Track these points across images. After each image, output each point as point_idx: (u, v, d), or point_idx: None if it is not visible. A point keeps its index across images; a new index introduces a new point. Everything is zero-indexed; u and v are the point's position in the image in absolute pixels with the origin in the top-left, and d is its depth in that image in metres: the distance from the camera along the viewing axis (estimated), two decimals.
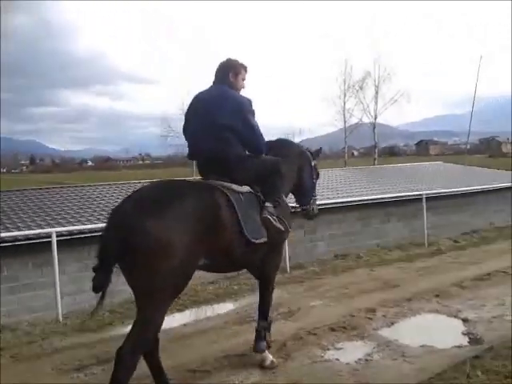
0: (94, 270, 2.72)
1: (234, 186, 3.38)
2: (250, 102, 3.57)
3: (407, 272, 6.90)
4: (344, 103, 31.56)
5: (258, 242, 3.37)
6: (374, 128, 32.20)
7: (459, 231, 10.79)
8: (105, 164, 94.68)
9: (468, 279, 6.16)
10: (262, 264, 3.82)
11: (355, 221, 10.68)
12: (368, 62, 33.14)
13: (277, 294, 5.85)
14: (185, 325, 5.15)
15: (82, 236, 7.17)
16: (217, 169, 3.44)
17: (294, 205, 4.33)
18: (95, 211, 8.70)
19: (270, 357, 3.87)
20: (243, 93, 3.72)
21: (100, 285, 2.72)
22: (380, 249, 9.15)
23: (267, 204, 3.53)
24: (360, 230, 10.62)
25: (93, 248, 6.72)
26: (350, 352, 4.11)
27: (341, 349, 4.19)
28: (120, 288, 6.50)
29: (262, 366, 3.82)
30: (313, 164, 4.29)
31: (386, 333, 4.51)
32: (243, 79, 3.72)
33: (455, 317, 4.84)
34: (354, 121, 32.06)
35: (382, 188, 12.23)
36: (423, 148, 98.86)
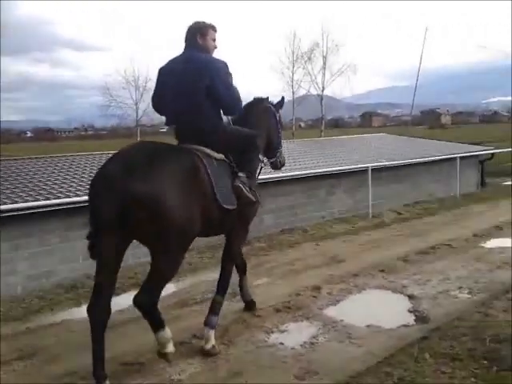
0: (89, 237, 2.77)
1: (209, 151, 3.42)
2: (226, 64, 3.53)
3: (352, 246, 6.82)
4: (292, 74, 31.22)
5: (227, 207, 3.40)
6: (322, 100, 32.19)
7: (402, 202, 10.98)
8: (45, 135, 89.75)
9: (413, 253, 6.15)
10: (228, 237, 3.92)
11: (301, 193, 10.56)
12: (316, 34, 32.85)
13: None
14: (121, 311, 4.79)
15: (12, 214, 6.56)
16: (193, 136, 3.46)
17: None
18: (27, 187, 8.00)
19: (213, 340, 3.67)
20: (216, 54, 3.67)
21: (98, 251, 2.80)
22: (325, 221, 9.08)
23: (240, 174, 3.58)
24: (306, 202, 10.52)
25: (26, 227, 5.80)
26: (295, 335, 3.93)
27: (285, 331, 4.00)
28: (50, 269, 6.07)
29: (203, 349, 3.64)
30: (277, 117, 4.37)
31: (331, 312, 4.37)
32: (213, 39, 3.65)
33: (401, 293, 4.77)
34: (302, 92, 31.89)
35: (328, 160, 12.17)
36: (367, 120, 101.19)
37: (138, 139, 30.27)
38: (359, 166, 10.49)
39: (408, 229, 7.88)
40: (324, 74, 31.11)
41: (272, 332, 3.99)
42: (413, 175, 12.53)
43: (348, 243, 7.02)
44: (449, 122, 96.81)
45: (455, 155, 11.88)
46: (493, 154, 16.66)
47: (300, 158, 12.32)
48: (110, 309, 2.98)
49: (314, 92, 31.57)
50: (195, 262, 6.39)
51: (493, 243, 6.46)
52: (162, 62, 3.67)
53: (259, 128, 4.02)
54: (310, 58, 30.33)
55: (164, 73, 3.58)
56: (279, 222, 9.84)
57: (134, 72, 33.17)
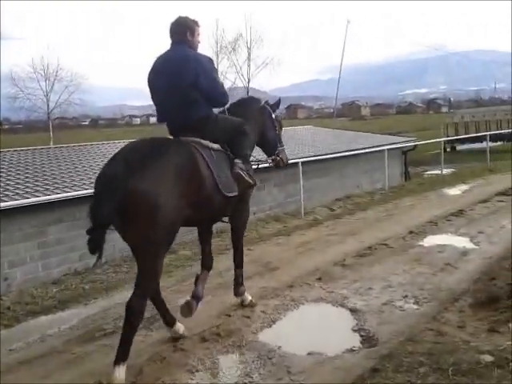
0: (88, 232, 2.82)
1: (205, 142, 3.57)
2: (211, 60, 3.78)
3: (286, 249, 6.26)
4: (217, 65, 30.37)
5: (230, 195, 3.58)
6: (248, 92, 31.73)
7: (333, 196, 10.70)
8: None
9: (349, 255, 5.70)
10: (232, 218, 4.13)
11: None
12: (240, 25, 32.24)
13: None
14: (11, 350, 3.86)
15: None
16: (186, 129, 3.58)
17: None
18: None
19: (248, 297, 4.30)
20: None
21: (96, 246, 2.84)
22: (257, 221, 8.48)
23: (237, 160, 3.76)
24: None
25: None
26: (225, 373, 3.25)
27: (213, 369, 3.31)
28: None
29: (243, 305, 4.26)
30: (274, 116, 4.53)
31: (267, 337, 3.74)
32: (198, 35, 3.79)
33: (342, 306, 4.25)
34: (227, 84, 31.19)
35: (255, 154, 11.64)
36: (292, 112, 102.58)
37: (51, 134, 28.06)
38: (290, 159, 10.04)
39: (342, 226, 7.49)
40: (249, 66, 30.68)
41: (197, 371, 3.28)
42: (341, 168, 12.33)
43: (281, 246, 6.46)
44: (368, 114, 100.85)
45: (383, 147, 11.78)
46: (415, 145, 17.09)
47: None
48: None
49: (240, 84, 30.99)
50: (108, 278, 5.51)
51: (430, 241, 6.18)
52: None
53: (252, 122, 4.18)
54: (234, 49, 29.77)
55: (153, 70, 3.70)
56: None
57: (43, 61, 30.51)
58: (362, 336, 3.64)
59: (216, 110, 3.98)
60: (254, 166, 4.33)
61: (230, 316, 4.14)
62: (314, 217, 8.61)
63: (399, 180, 15.93)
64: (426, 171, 23.80)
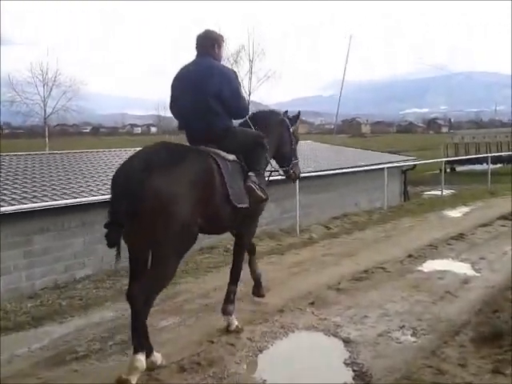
0: (106, 226, 2.90)
1: (222, 153, 3.61)
2: (235, 73, 3.87)
3: (279, 269, 5.96)
4: None
5: (240, 206, 3.60)
6: (249, 105, 31.64)
7: (330, 214, 10.42)
8: None
9: (345, 279, 5.41)
10: (239, 230, 4.14)
11: None
12: (242, 36, 32.29)
13: (114, 313, 4.52)
14: None
15: None
16: (204, 138, 3.62)
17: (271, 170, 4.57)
18: None
19: (235, 322, 4.05)
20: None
21: (113, 240, 2.92)
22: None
23: (250, 173, 3.80)
24: None
25: None
26: None
27: None
28: None
29: (228, 330, 3.99)
30: (291, 130, 4.54)
31: (251, 369, 3.45)
32: (223, 49, 3.96)
33: (335, 336, 3.95)
34: None
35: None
36: None
37: (46, 139, 27.81)
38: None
39: (338, 247, 7.20)
40: (251, 79, 30.61)
41: None
42: (339, 185, 12.09)
43: (274, 266, 6.16)
44: (368, 132, 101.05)
45: (383, 165, 11.55)
46: (415, 164, 16.89)
47: None
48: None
49: None
50: (88, 294, 5.21)
51: (430, 266, 5.90)
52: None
53: (270, 136, 4.18)
54: (236, 61, 29.66)
55: (178, 78, 3.76)
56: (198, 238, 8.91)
57: (42, 66, 30.31)
58: (354, 371, 3.34)
59: (236, 121, 4.09)
60: (266, 174, 4.38)
61: (213, 342, 3.83)
62: (310, 235, 8.32)
63: (398, 199, 15.69)
64: (425, 191, 23.60)
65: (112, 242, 2.93)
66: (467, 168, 33.04)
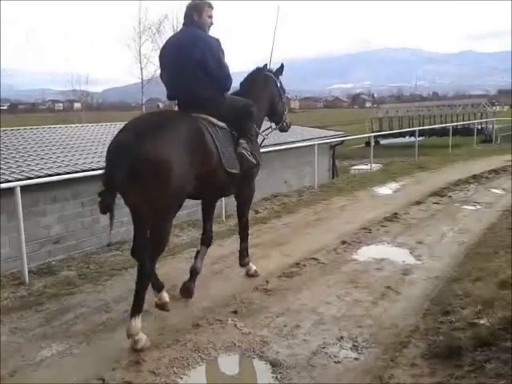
0: (100, 194, 2.97)
1: (213, 120, 3.71)
2: (218, 41, 3.80)
3: None
4: (139, 47, 28.34)
5: (231, 171, 3.73)
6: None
7: (259, 195, 9.69)
8: None
9: (273, 275, 4.68)
10: (236, 196, 4.42)
11: None
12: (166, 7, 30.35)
13: None
14: None
15: None
16: (193, 106, 3.67)
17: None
18: None
19: (253, 267, 4.63)
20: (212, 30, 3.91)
21: (107, 207, 2.98)
22: (173, 227, 7.24)
23: (241, 140, 3.92)
24: None
25: None
26: None
27: None
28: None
29: (248, 274, 4.62)
30: (278, 84, 4.63)
31: None
32: (209, 16, 3.87)
33: (260, 357, 3.20)
34: (151, 68, 29.16)
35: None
36: None
37: None
38: None
39: (267, 234, 6.47)
40: None
41: None
42: (268, 163, 11.38)
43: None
44: (297, 107, 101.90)
45: (313, 142, 10.96)
46: (343, 140, 16.61)
47: None
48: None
49: None
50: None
51: (366, 253, 5.33)
52: None
53: (261, 99, 4.38)
54: (158, 31, 27.81)
55: (165, 47, 3.87)
56: (105, 230, 7.88)
57: None
58: None
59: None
60: (263, 136, 4.57)
61: (103, 381, 2.93)
62: (237, 221, 7.51)
63: (327, 175, 15.36)
64: (353, 166, 23.71)
65: (105, 209, 2.99)
66: (390, 141, 33.89)
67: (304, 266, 4.95)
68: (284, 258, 5.28)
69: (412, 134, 27.85)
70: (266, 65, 4.58)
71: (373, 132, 28.51)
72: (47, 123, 17.23)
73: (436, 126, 29.65)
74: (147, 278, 3.31)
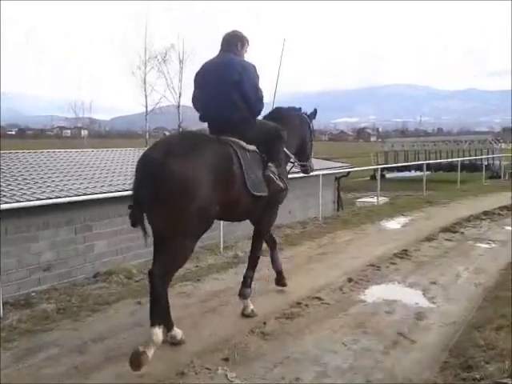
0: (130, 207, 3.16)
1: (242, 143, 3.77)
2: (255, 67, 3.90)
3: (191, 304, 4.64)
4: (145, 75, 28.40)
5: (256, 194, 3.75)
6: (179, 107, 29.98)
7: None
8: None
9: (272, 316, 4.21)
10: (258, 220, 4.35)
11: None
12: (171, 36, 30.72)
13: None
14: None
15: None
16: (225, 128, 3.74)
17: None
18: None
19: (251, 306, 4.28)
20: None
21: (136, 221, 3.15)
22: None
23: (270, 164, 3.97)
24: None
25: None
26: None
27: None
28: None
29: (243, 314, 4.24)
30: (311, 126, 4.86)
31: None
32: (246, 51, 4.06)
33: None
34: (156, 96, 29.09)
35: None
36: None
37: None
38: None
39: (266, 268, 5.98)
40: (181, 80, 29.07)
41: None
42: None
43: (185, 299, 4.82)
44: None
45: (318, 172, 10.61)
46: (349, 171, 16.29)
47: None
48: None
49: (169, 97, 29.10)
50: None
51: (375, 293, 4.87)
52: None
53: (294, 136, 4.53)
54: (164, 60, 28.01)
55: (200, 72, 3.93)
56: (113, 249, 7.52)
57: None
58: None
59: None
60: (289, 165, 4.64)
61: None
62: (236, 253, 7.09)
63: (332, 207, 14.96)
64: (358, 198, 23.31)
65: (133, 223, 3.15)
66: (396, 175, 33.61)
67: (306, 306, 4.49)
68: (284, 296, 4.83)
69: (418, 168, 27.69)
70: (301, 108, 4.88)
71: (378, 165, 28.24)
72: (51, 149, 17.10)
73: (442, 160, 29.39)
74: (161, 299, 3.26)
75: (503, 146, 47.72)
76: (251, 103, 3.82)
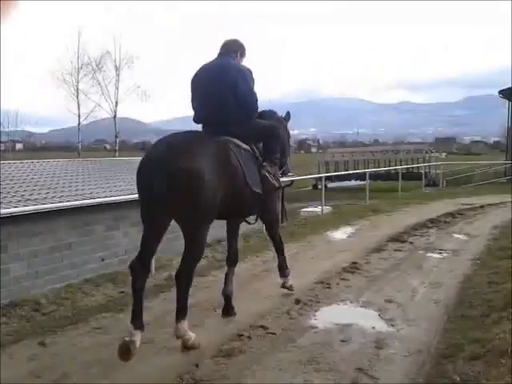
0: (143, 208, 3.40)
1: (238, 142, 3.86)
2: (250, 71, 4.05)
3: (108, 343, 3.76)
4: (77, 82, 26.83)
5: (256, 191, 3.87)
6: (115, 117, 28.57)
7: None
8: None
9: (207, 354, 3.44)
10: (263, 216, 4.60)
11: (70, 229, 7.26)
12: (107, 42, 29.31)
13: None
14: None
15: None
16: (220, 127, 3.81)
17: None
18: None
19: (290, 281, 4.81)
20: None
21: (154, 216, 3.36)
22: (82, 284, 5.87)
23: (264, 163, 4.07)
24: (78, 241, 7.24)
25: None
26: None
27: None
28: None
29: (283, 286, 4.80)
30: (287, 129, 4.95)
31: None
32: (243, 60, 4.20)
33: None
34: (91, 105, 27.55)
35: (112, 185, 9.03)
36: None
37: None
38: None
39: (204, 291, 5.22)
40: (118, 88, 27.74)
41: None
42: None
43: (101, 336, 3.96)
44: None
45: None
46: (293, 180, 15.86)
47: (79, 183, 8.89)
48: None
49: (104, 105, 27.59)
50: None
51: (326, 317, 4.24)
52: None
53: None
54: (99, 67, 26.61)
55: (197, 74, 4.01)
56: (34, 270, 6.45)
57: None
58: None
59: None
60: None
61: None
62: (170, 273, 6.24)
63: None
64: (302, 208, 22.99)
65: (151, 219, 3.38)
66: (337, 184, 33.90)
67: (249, 338, 3.77)
68: (223, 326, 4.09)
69: (358, 177, 27.95)
70: (277, 112, 4.88)
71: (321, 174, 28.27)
72: None
73: (381, 169, 29.91)
74: (188, 284, 3.42)
75: (437, 155, 49.77)
76: (246, 105, 3.93)
